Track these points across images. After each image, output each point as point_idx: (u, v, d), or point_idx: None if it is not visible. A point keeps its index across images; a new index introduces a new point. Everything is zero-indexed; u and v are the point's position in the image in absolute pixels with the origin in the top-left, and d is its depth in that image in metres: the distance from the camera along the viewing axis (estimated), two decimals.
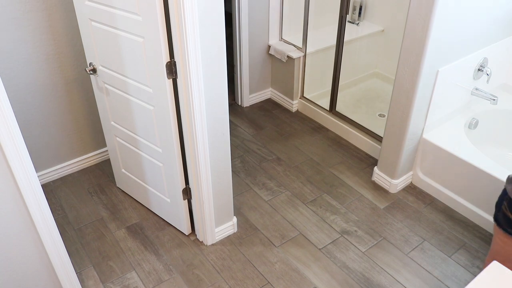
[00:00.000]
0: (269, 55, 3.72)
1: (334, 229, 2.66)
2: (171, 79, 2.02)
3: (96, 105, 2.63)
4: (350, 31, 3.56)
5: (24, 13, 2.43)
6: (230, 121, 2.27)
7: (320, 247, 2.54)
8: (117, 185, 2.93)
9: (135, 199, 2.83)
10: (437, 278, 2.37)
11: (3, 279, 1.84)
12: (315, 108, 3.63)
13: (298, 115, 3.75)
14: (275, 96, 3.92)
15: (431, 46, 2.36)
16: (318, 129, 3.56)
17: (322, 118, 3.59)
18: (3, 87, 1.51)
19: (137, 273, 2.39)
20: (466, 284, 1.43)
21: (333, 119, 3.49)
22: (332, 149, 3.34)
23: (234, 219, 2.62)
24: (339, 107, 3.49)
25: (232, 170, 2.44)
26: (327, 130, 3.54)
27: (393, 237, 2.61)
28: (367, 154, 3.26)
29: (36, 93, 2.68)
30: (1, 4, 2.35)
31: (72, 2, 2.26)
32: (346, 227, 2.67)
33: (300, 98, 3.76)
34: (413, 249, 2.53)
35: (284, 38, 3.68)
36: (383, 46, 3.90)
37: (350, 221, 2.71)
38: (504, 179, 2.43)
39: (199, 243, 2.57)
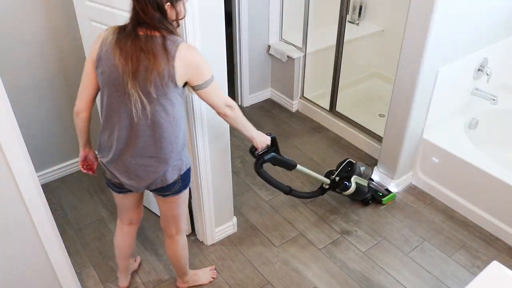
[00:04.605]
0: (269, 55, 3.72)
1: (334, 229, 2.66)
2: None
3: (96, 105, 2.62)
4: (350, 31, 3.55)
5: (24, 13, 2.43)
6: None
7: (320, 247, 2.54)
8: None
9: None
10: (437, 278, 2.37)
11: (3, 279, 1.84)
12: (315, 108, 3.63)
13: (298, 115, 3.75)
14: (275, 96, 3.92)
15: (431, 46, 2.35)
16: (318, 129, 3.56)
17: (322, 118, 3.59)
18: (3, 87, 1.51)
19: (137, 273, 2.39)
20: (466, 284, 1.43)
21: (333, 119, 3.49)
22: (332, 149, 3.33)
23: (234, 219, 2.62)
24: (339, 107, 3.49)
25: (232, 170, 2.44)
26: (327, 130, 3.54)
27: (393, 237, 2.61)
28: (367, 154, 3.26)
29: (36, 93, 2.68)
30: (1, 4, 2.35)
31: (72, 2, 2.26)
32: (346, 227, 2.67)
33: (300, 98, 3.76)
34: (413, 249, 2.53)
35: (284, 38, 3.68)
36: (383, 46, 3.89)
37: (350, 221, 2.71)
38: (504, 179, 2.43)
39: (199, 243, 2.57)
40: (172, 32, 1.57)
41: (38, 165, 2.86)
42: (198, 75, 1.62)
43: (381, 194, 2.82)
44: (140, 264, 2.43)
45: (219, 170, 2.33)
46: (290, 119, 3.69)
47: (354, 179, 2.60)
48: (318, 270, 2.41)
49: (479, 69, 2.82)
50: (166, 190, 1.82)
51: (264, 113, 3.77)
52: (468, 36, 2.59)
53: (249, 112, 3.78)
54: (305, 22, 3.41)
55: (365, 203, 2.80)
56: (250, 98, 3.84)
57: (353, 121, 3.37)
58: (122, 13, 1.97)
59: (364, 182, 2.69)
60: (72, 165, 3.04)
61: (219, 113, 1.78)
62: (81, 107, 1.72)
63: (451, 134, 2.80)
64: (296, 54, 3.50)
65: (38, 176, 1.86)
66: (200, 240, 2.58)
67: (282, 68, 3.70)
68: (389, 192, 2.85)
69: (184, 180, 1.84)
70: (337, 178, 2.61)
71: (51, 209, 1.85)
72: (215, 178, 2.33)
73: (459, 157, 2.62)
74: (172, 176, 1.77)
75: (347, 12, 3.14)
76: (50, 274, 1.96)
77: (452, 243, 2.57)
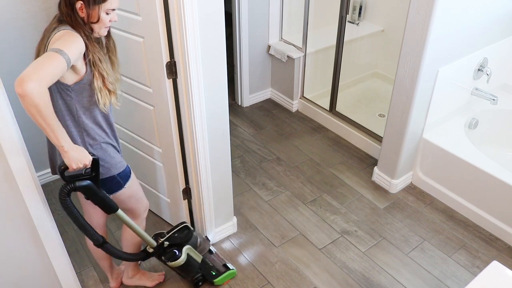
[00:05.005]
0: (269, 55, 3.72)
1: (334, 229, 2.66)
2: (171, 79, 2.02)
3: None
4: (350, 31, 3.55)
5: (24, 13, 2.43)
6: (230, 121, 2.28)
7: (320, 247, 2.54)
8: None
9: None
10: (437, 278, 2.37)
11: (3, 279, 1.84)
12: (315, 108, 3.63)
13: (298, 115, 3.75)
14: (275, 96, 3.92)
15: (431, 46, 2.36)
16: (318, 129, 3.57)
17: (322, 118, 3.59)
18: (3, 87, 1.51)
19: None
20: (466, 284, 1.43)
21: (333, 119, 3.49)
22: (332, 149, 3.34)
23: (234, 219, 2.62)
24: (339, 107, 3.49)
25: (232, 170, 2.44)
26: (327, 130, 3.54)
27: (393, 237, 2.61)
28: (367, 154, 3.26)
29: None
30: (2, 4, 2.35)
31: None
32: (346, 227, 2.67)
33: (300, 98, 3.76)
34: (413, 249, 2.53)
35: (284, 38, 3.68)
36: (383, 46, 3.90)
37: (350, 221, 2.71)
38: (504, 179, 2.43)
39: None
40: (72, 27, 1.55)
41: (38, 165, 2.86)
42: (52, 43, 1.51)
43: (215, 273, 2.28)
44: (139, 264, 2.43)
45: (219, 170, 2.33)
46: (290, 119, 3.70)
47: (186, 249, 2.09)
48: (318, 270, 2.41)
49: (479, 69, 2.82)
50: None
51: (264, 113, 3.77)
52: (468, 36, 2.59)
53: (249, 112, 3.78)
54: (305, 22, 3.42)
55: (194, 284, 2.28)
56: (250, 98, 3.84)
57: (353, 121, 3.37)
58: (122, 13, 1.97)
59: (197, 257, 2.16)
60: None
61: (19, 80, 1.37)
62: None
63: (451, 134, 2.80)
64: (296, 54, 3.50)
65: (38, 176, 1.86)
66: None
67: (282, 68, 3.70)
68: (227, 268, 2.33)
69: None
70: (166, 243, 2.07)
71: (51, 209, 1.85)
72: (215, 178, 2.33)
73: (459, 157, 2.62)
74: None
75: (347, 12, 3.14)
76: (50, 274, 1.96)
77: (452, 243, 2.57)
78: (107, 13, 1.59)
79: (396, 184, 2.91)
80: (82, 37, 1.56)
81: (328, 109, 3.54)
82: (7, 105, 1.53)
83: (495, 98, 2.82)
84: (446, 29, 2.38)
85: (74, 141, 1.63)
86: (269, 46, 3.66)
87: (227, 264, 2.37)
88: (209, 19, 1.87)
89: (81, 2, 1.53)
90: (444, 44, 2.44)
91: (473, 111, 2.99)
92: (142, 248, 2.12)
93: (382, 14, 3.81)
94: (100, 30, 1.62)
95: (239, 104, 3.86)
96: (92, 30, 1.60)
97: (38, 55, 1.63)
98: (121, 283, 2.32)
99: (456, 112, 2.93)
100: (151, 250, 2.05)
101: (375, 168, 3.01)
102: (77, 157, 1.51)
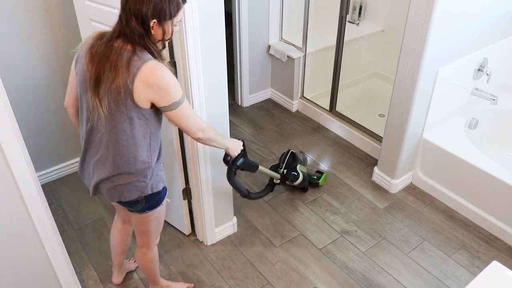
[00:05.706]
0: (269, 55, 3.72)
1: (334, 229, 2.66)
2: None
3: None
4: (350, 31, 3.55)
5: (24, 13, 2.43)
6: (230, 121, 2.28)
7: (320, 247, 2.54)
8: None
9: None
10: (437, 278, 2.37)
11: (3, 279, 1.84)
12: (315, 108, 3.63)
13: (298, 115, 3.75)
14: (275, 96, 3.92)
15: (431, 46, 2.36)
16: (318, 129, 3.56)
17: (322, 118, 3.59)
18: (3, 87, 1.51)
19: (137, 273, 2.39)
20: (466, 284, 1.43)
21: (333, 119, 3.49)
22: (332, 149, 3.34)
23: (234, 219, 2.62)
24: (339, 107, 3.49)
25: None
26: (327, 130, 3.54)
27: (393, 237, 2.61)
28: (367, 154, 3.26)
29: (36, 93, 2.68)
30: (1, 4, 2.35)
31: (72, 2, 2.26)
32: (346, 227, 2.67)
33: (300, 98, 3.76)
34: (413, 249, 2.53)
35: (284, 38, 3.68)
36: (383, 46, 3.90)
37: (350, 221, 2.71)
38: (504, 179, 2.43)
39: (199, 243, 2.57)
40: (149, 51, 1.49)
41: (38, 165, 2.86)
42: (161, 97, 1.50)
43: (315, 177, 2.92)
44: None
45: (219, 170, 2.33)
46: (290, 119, 3.69)
47: (299, 168, 2.73)
48: (318, 270, 2.41)
49: (479, 69, 2.81)
50: (127, 206, 1.78)
51: (264, 113, 3.77)
52: (468, 36, 2.59)
53: (249, 112, 3.78)
54: (305, 22, 3.41)
55: (304, 190, 2.90)
56: (250, 98, 3.84)
57: (353, 121, 3.37)
58: None
59: (305, 170, 2.82)
60: (72, 165, 3.04)
61: (191, 137, 1.69)
62: (68, 103, 1.76)
63: (451, 134, 2.80)
64: (296, 54, 3.50)
65: (38, 176, 1.86)
66: (200, 240, 2.58)
67: (282, 68, 3.70)
68: (321, 173, 2.96)
69: (149, 201, 1.76)
70: (285, 171, 2.69)
71: (51, 209, 1.85)
72: (215, 178, 2.33)
73: (459, 157, 2.62)
74: (130, 195, 1.69)
75: (347, 12, 3.14)
76: (50, 274, 1.96)
77: (452, 243, 2.57)
78: (175, 25, 1.53)
79: (396, 184, 2.91)
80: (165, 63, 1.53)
81: (328, 109, 3.54)
82: (7, 105, 1.53)
83: (495, 98, 2.82)
84: (446, 29, 2.38)
85: (140, 159, 1.63)
86: (269, 46, 3.66)
87: (319, 170, 3.04)
88: (209, 19, 1.87)
89: (155, 20, 1.45)
90: (444, 44, 2.44)
91: (473, 111, 2.99)
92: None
93: (382, 14, 3.81)
94: (166, 43, 1.58)
95: (239, 104, 3.86)
96: (164, 46, 1.54)
97: (98, 76, 1.50)
98: (123, 279, 2.32)
99: (456, 112, 2.93)
100: (278, 181, 2.67)
101: (375, 168, 3.01)
102: (236, 147, 1.96)
